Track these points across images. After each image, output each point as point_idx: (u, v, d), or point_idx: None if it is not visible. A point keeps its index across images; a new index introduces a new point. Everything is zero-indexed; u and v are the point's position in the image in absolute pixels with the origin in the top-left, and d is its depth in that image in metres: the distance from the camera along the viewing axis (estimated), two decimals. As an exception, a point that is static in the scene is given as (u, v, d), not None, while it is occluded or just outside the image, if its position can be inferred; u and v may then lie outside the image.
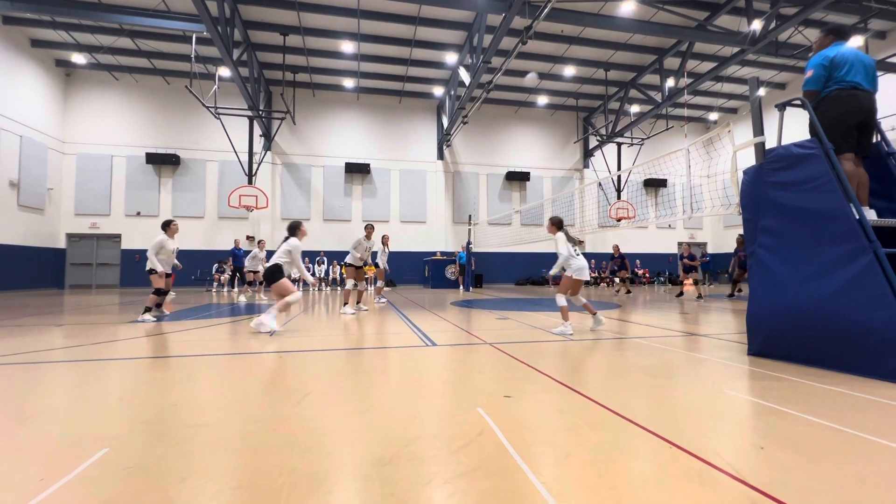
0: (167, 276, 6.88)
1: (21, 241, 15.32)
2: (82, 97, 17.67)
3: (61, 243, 17.28)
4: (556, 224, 5.48)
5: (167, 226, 6.92)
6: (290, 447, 1.89)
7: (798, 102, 3.73)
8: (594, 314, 5.46)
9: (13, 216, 15.02)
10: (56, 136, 16.96)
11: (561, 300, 5.24)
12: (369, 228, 8.39)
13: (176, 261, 7.11)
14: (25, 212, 15.53)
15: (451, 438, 1.98)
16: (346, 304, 7.76)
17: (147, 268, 6.66)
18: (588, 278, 5.39)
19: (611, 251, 22.19)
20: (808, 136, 3.59)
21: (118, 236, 17.67)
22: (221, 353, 4.16)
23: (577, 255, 5.30)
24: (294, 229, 5.85)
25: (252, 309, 8.75)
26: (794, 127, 4.27)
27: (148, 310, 6.65)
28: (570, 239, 5.37)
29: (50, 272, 16.84)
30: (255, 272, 11.87)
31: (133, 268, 17.37)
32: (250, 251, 12.23)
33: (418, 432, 2.06)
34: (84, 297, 12.30)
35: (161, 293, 6.75)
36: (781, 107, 3.89)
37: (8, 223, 14.80)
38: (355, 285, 8.19)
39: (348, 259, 8.22)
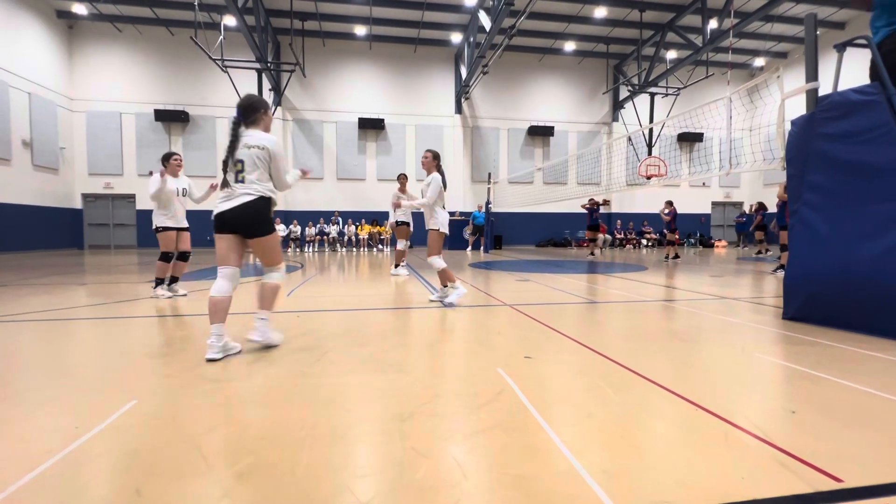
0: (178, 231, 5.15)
1: (38, 201, 15.30)
2: (87, 51, 17.05)
3: (77, 203, 17.26)
4: (438, 159, 4.67)
5: (166, 160, 5.08)
6: (311, 402, 1.93)
7: (861, 42, 3.31)
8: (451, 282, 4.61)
9: (29, 176, 14.93)
10: (64, 93, 16.53)
11: (440, 262, 4.54)
12: (403, 179, 7.70)
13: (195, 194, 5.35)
14: (40, 171, 15.42)
15: (470, 397, 1.98)
16: (397, 265, 7.36)
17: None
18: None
19: (639, 211, 21.26)
20: (868, 82, 3.24)
21: (132, 196, 17.53)
22: (240, 312, 4.01)
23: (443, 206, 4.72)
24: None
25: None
26: (853, 72, 3.82)
27: (160, 282, 5.06)
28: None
29: (69, 232, 16.93)
30: None
31: (149, 228, 17.27)
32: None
33: (438, 390, 2.08)
34: (104, 258, 12.37)
35: (168, 258, 5.08)
36: (841, 47, 3.47)
37: (24, 183, 14.73)
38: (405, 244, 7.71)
39: (401, 217, 7.59)
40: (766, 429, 1.65)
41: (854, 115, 3.21)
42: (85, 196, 17.34)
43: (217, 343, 2.54)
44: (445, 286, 4.56)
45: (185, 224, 5.29)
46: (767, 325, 3.49)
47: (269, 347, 2.81)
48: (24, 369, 2.47)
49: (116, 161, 17.27)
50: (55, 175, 16.12)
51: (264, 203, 2.76)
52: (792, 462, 1.41)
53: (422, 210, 4.81)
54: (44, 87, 15.49)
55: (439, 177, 4.55)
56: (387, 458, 1.45)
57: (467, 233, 17.01)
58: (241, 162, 2.73)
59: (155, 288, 5.02)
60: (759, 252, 12.66)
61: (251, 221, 2.72)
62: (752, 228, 12.83)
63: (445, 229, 4.63)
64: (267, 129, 2.91)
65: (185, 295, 5.15)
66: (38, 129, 15.17)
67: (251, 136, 2.78)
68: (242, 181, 2.72)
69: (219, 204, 2.72)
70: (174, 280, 5.19)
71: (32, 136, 14.92)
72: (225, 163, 2.76)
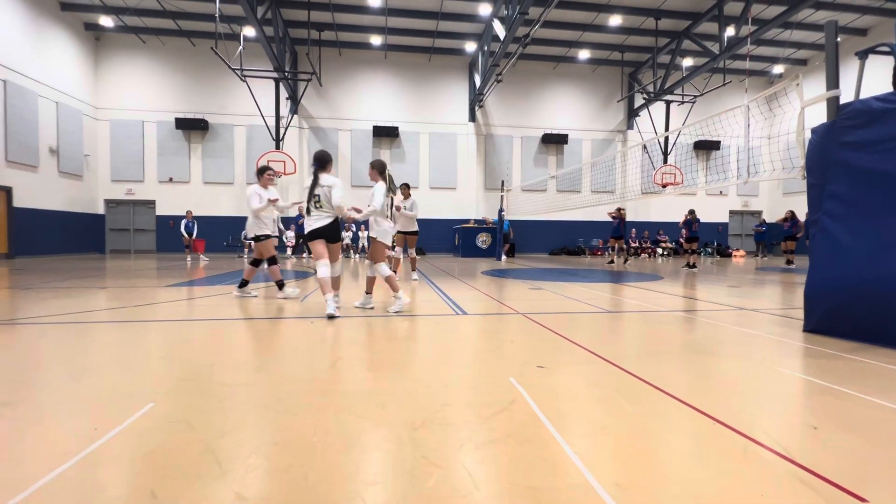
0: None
1: (64, 206, 15.76)
2: (112, 62, 17.61)
3: (100, 209, 17.73)
4: (380, 169, 4.59)
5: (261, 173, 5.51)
6: (323, 409, 1.94)
7: (884, 49, 3.34)
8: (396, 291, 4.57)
9: (55, 183, 15.40)
10: (89, 103, 17.08)
11: (385, 269, 4.54)
12: (404, 188, 7.61)
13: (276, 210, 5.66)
14: (66, 178, 15.89)
15: (482, 406, 1.97)
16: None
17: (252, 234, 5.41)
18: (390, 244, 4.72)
19: (654, 220, 20.95)
20: (891, 90, 3.23)
21: (153, 202, 17.94)
22: (253, 318, 4.27)
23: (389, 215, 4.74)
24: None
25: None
26: (875, 79, 3.81)
27: (281, 285, 5.34)
28: (390, 189, 4.63)
29: (91, 237, 17.38)
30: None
31: (168, 233, 17.70)
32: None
33: (449, 399, 2.07)
34: (124, 262, 12.67)
35: (275, 261, 5.43)
36: (863, 54, 3.47)
37: (51, 189, 15.19)
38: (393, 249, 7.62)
39: (399, 227, 7.51)
40: (787, 445, 1.59)
41: (876, 123, 3.14)
42: (107, 202, 17.81)
43: (333, 303, 4.10)
44: (369, 292, 4.73)
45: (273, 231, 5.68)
46: (787, 338, 3.40)
47: (277, 350, 3.04)
48: (45, 371, 2.52)
49: (138, 168, 17.73)
50: (80, 181, 16.60)
51: (338, 221, 4.44)
52: (814, 480, 1.36)
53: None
54: (71, 97, 16.02)
55: (383, 185, 4.51)
56: (398, 467, 1.45)
57: (480, 241, 16.97)
58: (318, 196, 4.33)
59: (280, 290, 5.32)
60: (789, 262, 12.33)
61: (332, 232, 4.42)
62: (800, 236, 12.33)
63: (386, 239, 4.59)
64: (329, 172, 4.46)
65: (255, 296, 5.50)
66: (65, 137, 15.67)
67: (324, 178, 4.35)
68: (320, 209, 4.34)
69: (313, 223, 4.35)
70: (245, 283, 5.47)
71: (59, 143, 15.41)
72: (309, 196, 4.33)
